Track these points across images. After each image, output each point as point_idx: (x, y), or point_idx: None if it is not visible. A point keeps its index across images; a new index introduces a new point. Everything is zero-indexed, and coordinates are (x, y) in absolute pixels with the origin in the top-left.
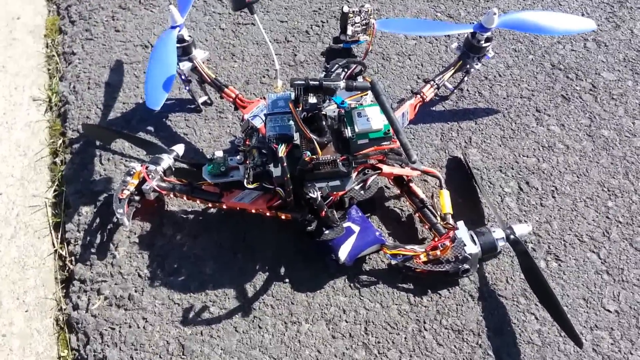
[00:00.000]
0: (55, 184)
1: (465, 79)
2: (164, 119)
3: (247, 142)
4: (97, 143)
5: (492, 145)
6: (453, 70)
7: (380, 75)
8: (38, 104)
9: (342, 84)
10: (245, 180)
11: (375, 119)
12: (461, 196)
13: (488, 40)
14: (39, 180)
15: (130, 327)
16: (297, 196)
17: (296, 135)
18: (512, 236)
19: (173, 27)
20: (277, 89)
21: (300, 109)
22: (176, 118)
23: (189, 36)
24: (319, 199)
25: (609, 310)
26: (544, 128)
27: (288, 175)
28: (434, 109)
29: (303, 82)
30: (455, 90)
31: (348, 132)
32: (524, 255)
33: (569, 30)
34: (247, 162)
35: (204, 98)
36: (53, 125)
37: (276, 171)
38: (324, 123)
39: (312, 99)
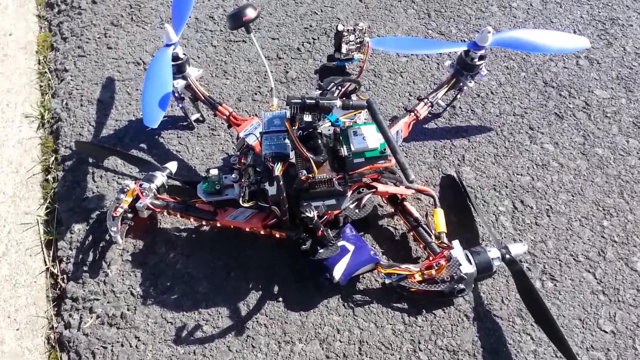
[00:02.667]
0: (48, 202)
1: (458, 96)
2: (157, 136)
3: (242, 160)
4: (90, 160)
5: (486, 163)
6: (446, 88)
7: (372, 93)
8: (30, 121)
9: (338, 102)
10: (240, 199)
11: (371, 138)
12: (455, 215)
13: (482, 58)
14: (30, 197)
15: (122, 345)
16: (292, 215)
17: (292, 154)
18: (507, 256)
19: (168, 45)
20: (273, 107)
21: (296, 127)
22: (169, 135)
23: (184, 54)
24: (316, 218)
25: (605, 331)
26: (537, 146)
27: (284, 194)
28: (426, 126)
29: (300, 100)
30: (447, 108)
31: (344, 151)
32: (520, 274)
33: (564, 48)
34: (243, 180)
35: (197, 115)
36: (45, 142)
37: (272, 190)
38: (319, 141)
39: (308, 117)
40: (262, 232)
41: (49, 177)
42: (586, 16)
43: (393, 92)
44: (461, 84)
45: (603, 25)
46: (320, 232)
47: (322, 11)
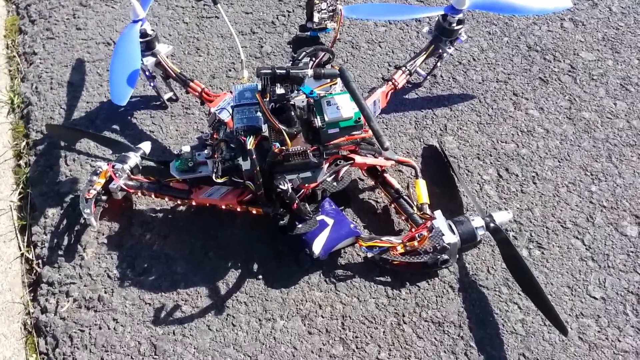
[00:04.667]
0: (20, 187)
1: (439, 64)
2: (129, 117)
3: (214, 136)
4: (62, 144)
5: (469, 132)
6: (425, 56)
7: (350, 65)
8: (0, 106)
9: (310, 72)
10: (213, 175)
11: (345, 107)
12: (438, 186)
13: (460, 22)
14: (3, 183)
15: (100, 328)
16: (268, 190)
17: (265, 127)
18: (492, 224)
19: (135, 22)
20: (244, 79)
21: (267, 99)
22: (142, 116)
23: (152, 30)
24: (290, 191)
25: (594, 297)
26: (522, 112)
27: (258, 168)
28: (407, 96)
29: (270, 71)
30: (428, 77)
31: (318, 122)
32: (505, 243)
33: (544, 9)
34: (216, 156)
35: (170, 94)
36: (16, 127)
37: (245, 164)
38: (292, 113)
39: (280, 90)
40: (238, 209)
41: (21, 162)
42: None
43: (372, 63)
44: (440, 50)
45: None
46: (295, 205)
47: None
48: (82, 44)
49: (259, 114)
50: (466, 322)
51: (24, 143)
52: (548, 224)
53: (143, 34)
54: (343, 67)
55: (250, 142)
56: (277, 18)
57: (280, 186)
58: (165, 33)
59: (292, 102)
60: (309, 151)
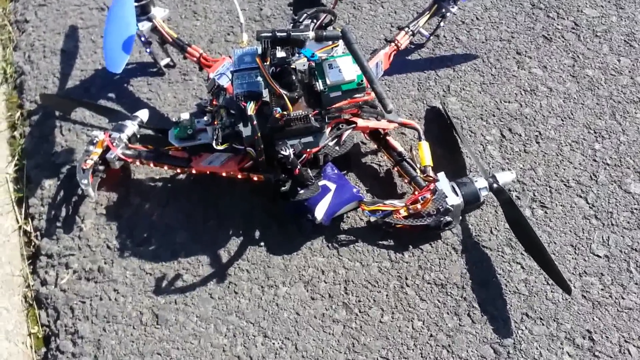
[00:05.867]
0: (16, 159)
1: (442, 24)
2: (126, 85)
3: (214, 102)
4: (57, 113)
5: (472, 92)
6: (428, 15)
7: (352, 26)
8: None
9: (311, 34)
10: (214, 142)
11: (347, 70)
12: (441, 147)
13: None
14: None
15: (101, 299)
16: (269, 156)
17: (265, 92)
18: (495, 185)
19: None
20: (243, 43)
21: (268, 63)
22: (138, 83)
23: None
24: (292, 156)
25: (598, 256)
26: (525, 71)
27: (259, 134)
28: (409, 58)
29: (270, 34)
30: (431, 37)
31: (319, 85)
32: (508, 204)
33: None
34: (215, 123)
35: (167, 60)
36: (10, 98)
37: (246, 130)
38: (293, 77)
39: (281, 53)
40: (239, 176)
41: (16, 133)
42: None
43: (374, 24)
44: (444, 10)
45: None
46: (297, 171)
47: None
48: (75, 10)
49: (260, 78)
50: (469, 283)
51: (18, 114)
52: (551, 183)
53: None
54: (345, 28)
55: (250, 108)
56: None
57: (282, 152)
58: None
59: (293, 66)
60: (310, 115)
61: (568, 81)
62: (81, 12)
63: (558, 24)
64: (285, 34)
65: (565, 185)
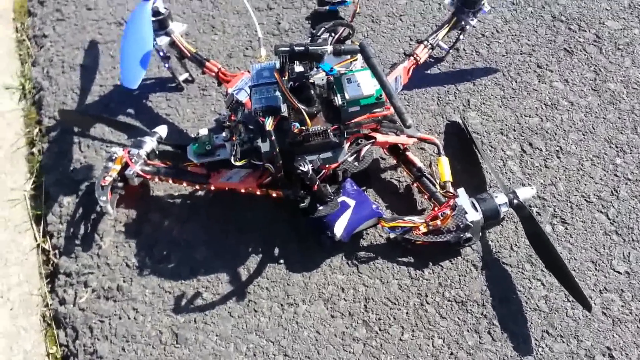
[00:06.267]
0: (34, 175)
1: (461, 37)
2: (144, 100)
3: (232, 118)
4: (76, 129)
5: (492, 106)
6: (447, 28)
7: (370, 39)
8: (11, 93)
9: (329, 48)
10: (232, 158)
11: (366, 85)
12: (461, 163)
13: None
14: (16, 172)
15: (120, 318)
16: (288, 172)
17: (284, 107)
18: (515, 201)
19: (146, 0)
20: (261, 58)
21: (286, 78)
22: (157, 98)
23: (165, 8)
24: (310, 172)
25: (618, 272)
26: (546, 85)
27: (277, 150)
28: (429, 71)
29: (288, 48)
30: (450, 50)
31: (338, 100)
32: (529, 220)
33: None
34: (234, 138)
35: (185, 75)
36: (28, 114)
37: (264, 146)
38: (312, 92)
39: (299, 67)
40: (257, 193)
41: (34, 149)
42: None
43: (393, 38)
44: (463, 22)
45: None
46: (316, 187)
47: None
48: (93, 24)
49: (278, 93)
50: (489, 300)
51: (36, 130)
52: (572, 198)
53: (155, 12)
54: (364, 42)
55: (269, 123)
56: None
57: (301, 168)
58: (179, 11)
59: (311, 80)
60: (329, 131)
61: (589, 95)
62: (99, 27)
63: (579, 37)
64: (303, 48)
65: (586, 200)
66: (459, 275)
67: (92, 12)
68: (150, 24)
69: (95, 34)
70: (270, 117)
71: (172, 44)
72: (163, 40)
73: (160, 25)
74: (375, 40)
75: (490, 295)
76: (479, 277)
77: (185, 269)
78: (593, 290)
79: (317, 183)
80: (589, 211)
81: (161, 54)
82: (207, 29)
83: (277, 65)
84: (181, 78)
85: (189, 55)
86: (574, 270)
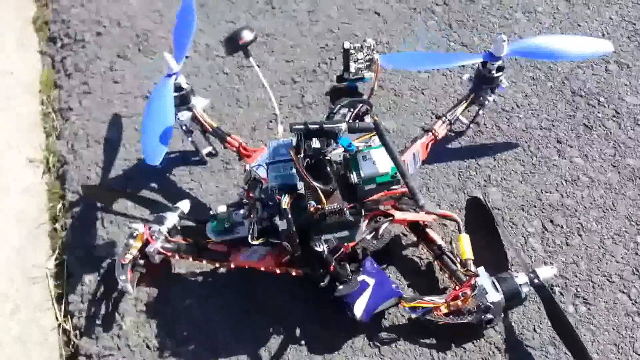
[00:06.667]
0: (57, 253)
1: (481, 112)
2: (168, 174)
3: (249, 195)
4: (98, 204)
5: (513, 182)
6: (465, 104)
7: (392, 113)
8: (35, 166)
9: (343, 125)
10: (249, 237)
11: (381, 162)
12: (482, 239)
13: (500, 69)
14: (38, 249)
15: None
16: (306, 250)
17: (300, 184)
18: (536, 280)
19: (169, 75)
20: (278, 135)
21: (302, 155)
22: (180, 172)
23: (187, 84)
24: (326, 252)
25: None
26: (566, 160)
27: (294, 229)
28: (450, 146)
29: (302, 126)
30: (471, 125)
31: (354, 178)
32: (549, 301)
33: (584, 54)
34: (252, 216)
35: (209, 149)
36: (52, 189)
37: (282, 224)
38: (328, 169)
39: (316, 144)
40: (277, 271)
41: (57, 225)
42: (615, 17)
43: (415, 112)
44: (481, 98)
45: (633, 25)
46: (332, 268)
47: (338, 29)
48: (119, 98)
49: (294, 170)
50: None
51: (59, 205)
52: (594, 278)
53: (177, 88)
54: (377, 120)
55: (285, 201)
56: (319, 66)
57: (316, 248)
58: (205, 84)
59: (328, 157)
60: (345, 209)
61: (609, 171)
62: (125, 101)
63: (599, 112)
64: (317, 126)
65: (608, 280)
66: (482, 358)
67: (118, 85)
68: (172, 100)
69: (122, 107)
70: (287, 195)
71: (194, 118)
72: (185, 115)
73: (182, 100)
74: (397, 114)
75: None
76: None
77: (206, 352)
78: None
79: (333, 264)
80: (611, 291)
81: (184, 128)
82: (232, 102)
83: (294, 143)
84: (204, 152)
85: (210, 129)
86: (597, 354)
